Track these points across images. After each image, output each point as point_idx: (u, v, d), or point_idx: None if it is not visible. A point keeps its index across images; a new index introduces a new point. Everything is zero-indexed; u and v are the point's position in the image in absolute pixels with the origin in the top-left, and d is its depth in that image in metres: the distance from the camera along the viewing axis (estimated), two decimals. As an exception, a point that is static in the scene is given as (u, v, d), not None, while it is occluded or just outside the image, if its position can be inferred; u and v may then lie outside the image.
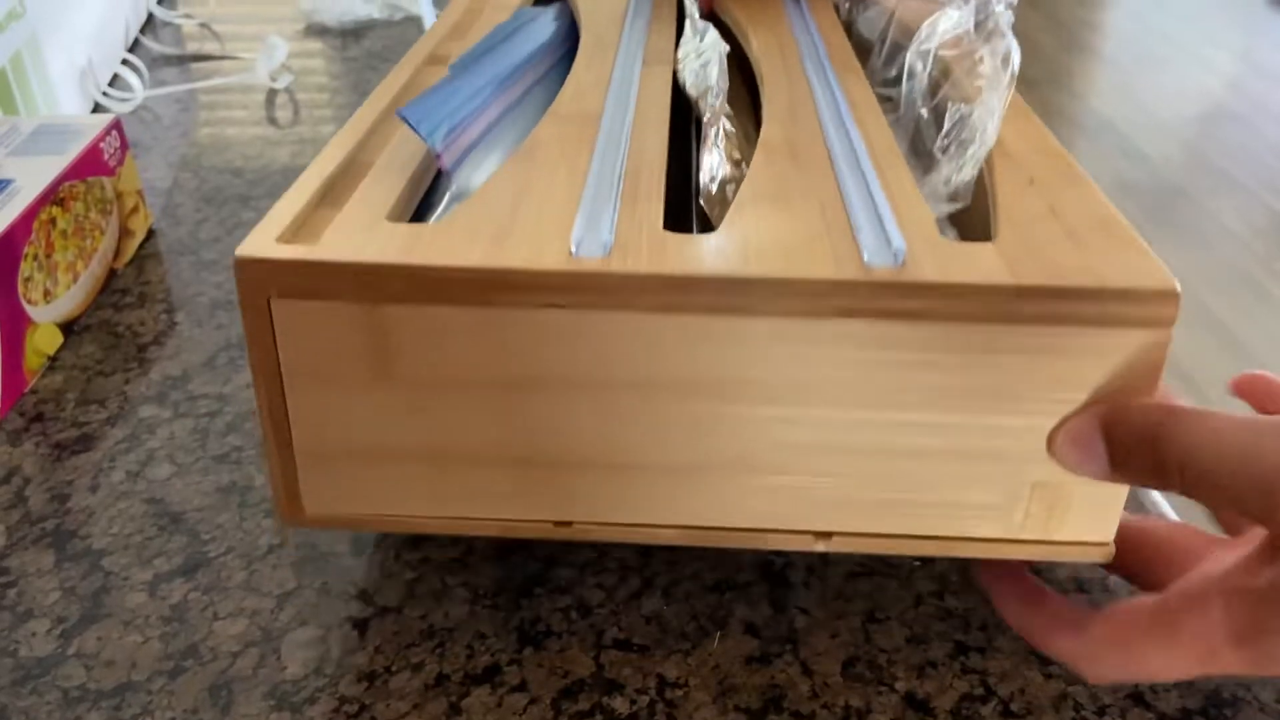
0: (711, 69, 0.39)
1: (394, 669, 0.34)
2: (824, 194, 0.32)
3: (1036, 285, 0.28)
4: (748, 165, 0.35)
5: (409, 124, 0.34)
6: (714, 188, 0.34)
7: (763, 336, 0.28)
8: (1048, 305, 0.28)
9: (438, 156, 0.35)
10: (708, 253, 0.29)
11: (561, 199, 0.32)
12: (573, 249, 0.29)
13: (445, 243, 0.29)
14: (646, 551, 0.38)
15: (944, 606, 0.36)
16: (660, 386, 0.29)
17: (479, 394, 0.30)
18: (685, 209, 0.36)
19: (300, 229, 0.31)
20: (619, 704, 0.33)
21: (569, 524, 0.32)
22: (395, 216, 0.32)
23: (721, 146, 0.35)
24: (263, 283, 0.29)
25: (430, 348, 0.29)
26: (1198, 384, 1.70)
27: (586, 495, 0.32)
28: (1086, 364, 0.28)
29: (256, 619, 0.35)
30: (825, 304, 0.28)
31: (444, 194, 0.37)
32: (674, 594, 0.36)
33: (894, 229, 0.30)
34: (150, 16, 0.87)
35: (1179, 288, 0.28)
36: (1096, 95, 2.74)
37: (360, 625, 0.35)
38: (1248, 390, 0.35)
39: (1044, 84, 2.71)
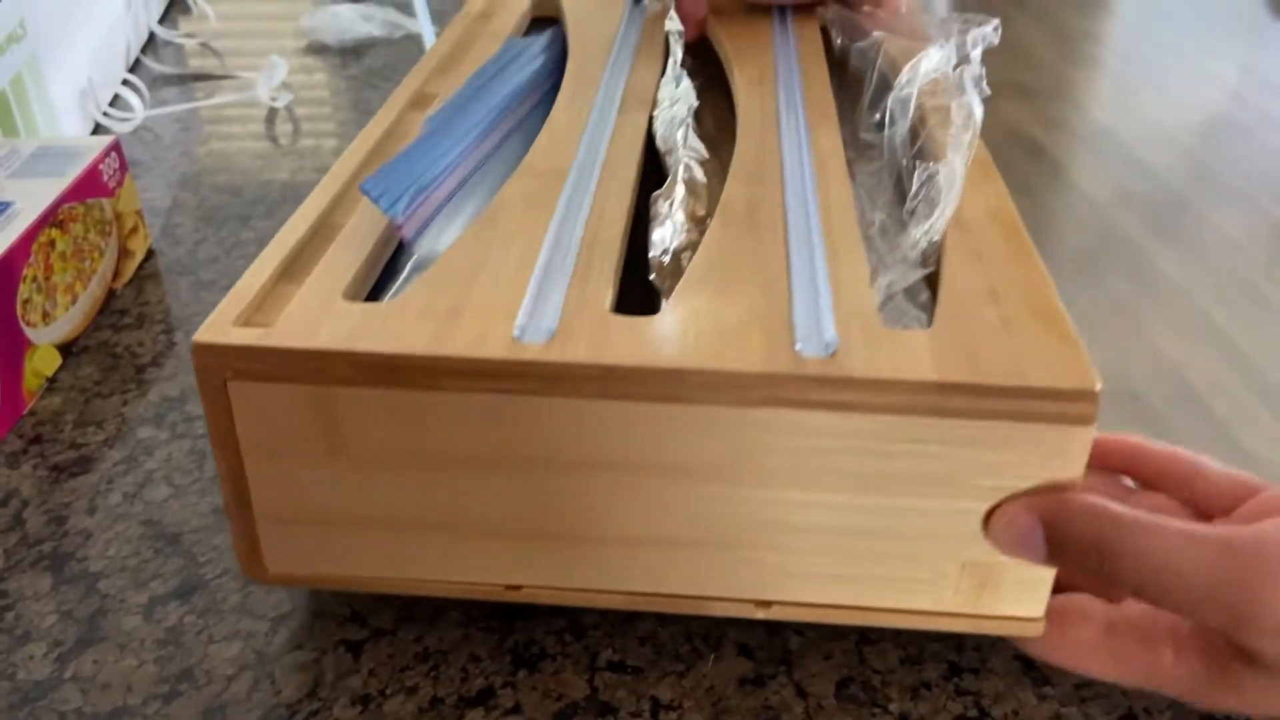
0: (675, 131, 0.39)
1: (388, 692, 0.34)
2: (771, 272, 0.33)
3: (960, 382, 0.28)
4: (710, 216, 0.36)
5: (370, 198, 0.35)
6: (666, 259, 0.35)
7: (698, 422, 0.29)
8: (971, 401, 0.28)
9: (399, 228, 0.35)
10: (647, 340, 0.30)
11: (514, 274, 0.33)
12: (516, 334, 0.30)
13: (395, 325, 0.31)
14: (641, 572, 0.38)
15: (938, 627, 0.36)
16: (604, 466, 0.31)
17: (428, 471, 0.31)
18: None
19: (260, 308, 0.32)
20: (612, 727, 0.33)
21: (519, 588, 0.33)
22: (353, 292, 0.33)
23: (677, 217, 0.36)
24: (218, 366, 0.30)
25: (379, 427, 0.30)
26: (1201, 395, 1.70)
27: (536, 562, 0.33)
28: (1011, 455, 0.29)
29: (251, 642, 0.35)
30: (755, 394, 0.29)
31: (408, 260, 0.37)
32: (668, 615, 0.36)
33: (829, 319, 0.31)
34: (151, 36, 0.88)
35: (1099, 387, 0.28)
36: (1098, 106, 2.74)
37: (354, 648, 0.35)
38: (1104, 459, 0.36)
39: (1046, 95, 2.72)
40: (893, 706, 0.33)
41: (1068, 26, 3.16)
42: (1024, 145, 2.45)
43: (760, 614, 0.33)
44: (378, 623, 0.36)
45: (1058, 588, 0.33)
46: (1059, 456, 0.29)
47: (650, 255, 0.35)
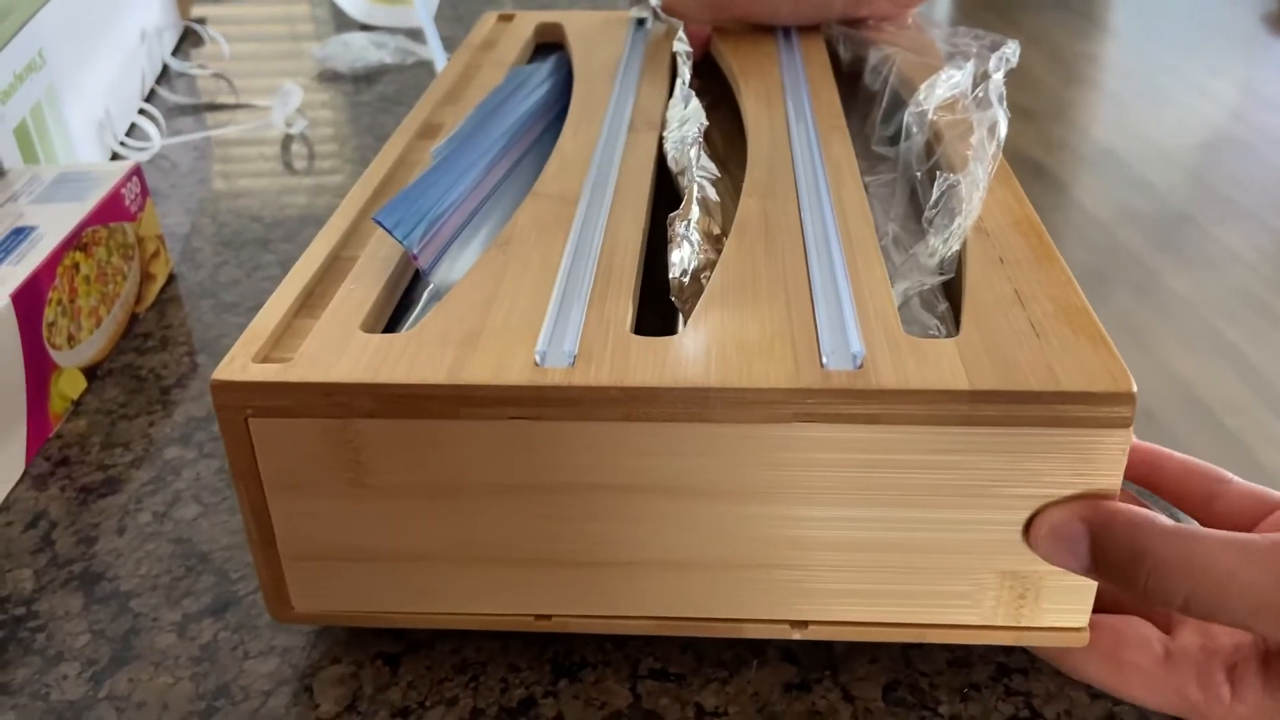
0: (688, 151, 0.39)
1: (428, 704, 0.33)
2: (791, 285, 0.33)
3: (992, 390, 0.28)
4: (726, 234, 0.36)
5: (384, 228, 0.35)
6: (685, 280, 0.35)
7: (726, 440, 0.29)
8: (1003, 408, 0.28)
9: (414, 258, 0.35)
10: (670, 360, 0.30)
11: (531, 298, 0.33)
12: (537, 359, 0.30)
13: (414, 355, 0.30)
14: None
15: (983, 629, 0.35)
16: (630, 488, 0.30)
17: (452, 500, 0.31)
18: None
19: (278, 343, 0.32)
20: (658, 734, 0.32)
21: (549, 618, 0.33)
22: (371, 323, 0.33)
23: (693, 237, 0.35)
24: (239, 404, 0.30)
25: (401, 458, 0.30)
26: (1213, 411, 1.69)
27: (564, 591, 0.32)
28: (1047, 462, 0.29)
29: (288, 657, 0.35)
30: (783, 410, 0.28)
31: (424, 288, 0.37)
32: (709, 622, 0.36)
33: (854, 330, 0.30)
34: (165, 68, 0.88)
35: (1135, 388, 0.28)
36: (1099, 127, 2.75)
37: (392, 661, 0.35)
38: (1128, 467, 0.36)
39: (1046, 118, 2.73)
40: (943, 709, 0.33)
41: (1064, 49, 3.17)
42: (1026, 166, 2.46)
43: (796, 635, 0.32)
44: (415, 635, 0.35)
45: (1109, 607, 0.32)
46: (1096, 462, 0.28)
47: (670, 276, 0.35)
